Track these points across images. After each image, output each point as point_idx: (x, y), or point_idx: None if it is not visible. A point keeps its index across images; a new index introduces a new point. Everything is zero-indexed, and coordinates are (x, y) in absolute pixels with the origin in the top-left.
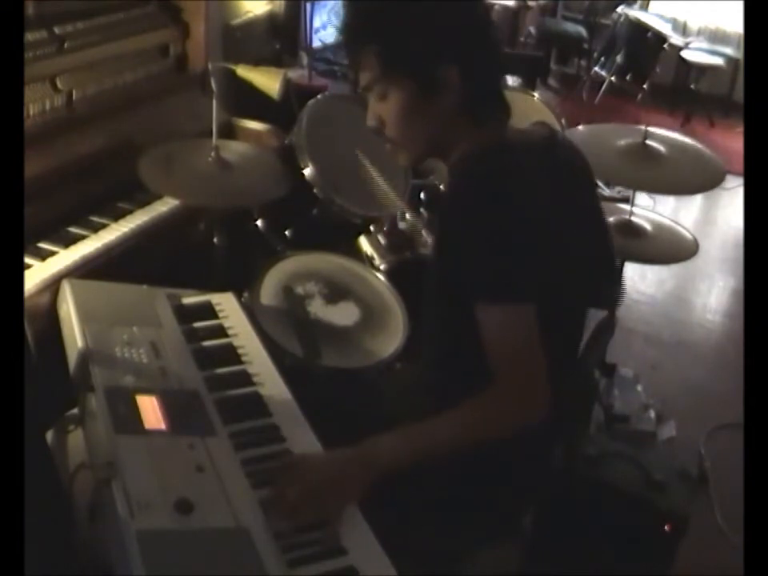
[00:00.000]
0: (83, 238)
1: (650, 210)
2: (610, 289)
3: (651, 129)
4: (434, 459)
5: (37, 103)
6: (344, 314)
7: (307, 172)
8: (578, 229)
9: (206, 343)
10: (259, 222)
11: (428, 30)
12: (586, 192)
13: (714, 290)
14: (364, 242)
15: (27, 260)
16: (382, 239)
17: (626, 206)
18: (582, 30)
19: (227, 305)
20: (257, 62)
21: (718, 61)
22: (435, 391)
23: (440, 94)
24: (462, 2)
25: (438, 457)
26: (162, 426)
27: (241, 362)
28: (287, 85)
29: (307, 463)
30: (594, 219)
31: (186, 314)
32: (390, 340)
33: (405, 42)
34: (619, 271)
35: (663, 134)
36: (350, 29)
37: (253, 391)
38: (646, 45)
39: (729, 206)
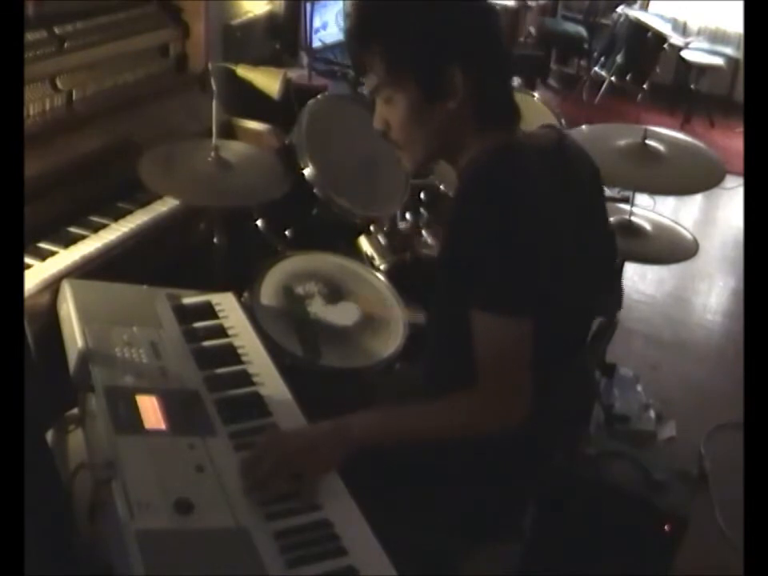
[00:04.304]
0: (83, 237)
1: (650, 210)
2: (612, 296)
3: (651, 128)
4: (413, 449)
5: (37, 103)
6: (344, 314)
7: (307, 172)
8: (585, 234)
9: (206, 343)
10: (259, 222)
11: (432, 33)
12: (594, 197)
13: (713, 290)
14: (364, 242)
15: (27, 260)
16: (382, 239)
17: (626, 206)
18: (582, 30)
19: (227, 305)
20: (257, 62)
21: (718, 61)
22: (433, 387)
23: (445, 98)
24: (468, 6)
25: (414, 443)
26: (162, 426)
27: (241, 362)
28: (287, 85)
29: (283, 435)
30: (600, 225)
31: (186, 314)
32: (390, 340)
33: (408, 45)
34: (620, 279)
35: (663, 134)
36: (355, 32)
37: (253, 391)
38: (646, 45)
39: (729, 206)
